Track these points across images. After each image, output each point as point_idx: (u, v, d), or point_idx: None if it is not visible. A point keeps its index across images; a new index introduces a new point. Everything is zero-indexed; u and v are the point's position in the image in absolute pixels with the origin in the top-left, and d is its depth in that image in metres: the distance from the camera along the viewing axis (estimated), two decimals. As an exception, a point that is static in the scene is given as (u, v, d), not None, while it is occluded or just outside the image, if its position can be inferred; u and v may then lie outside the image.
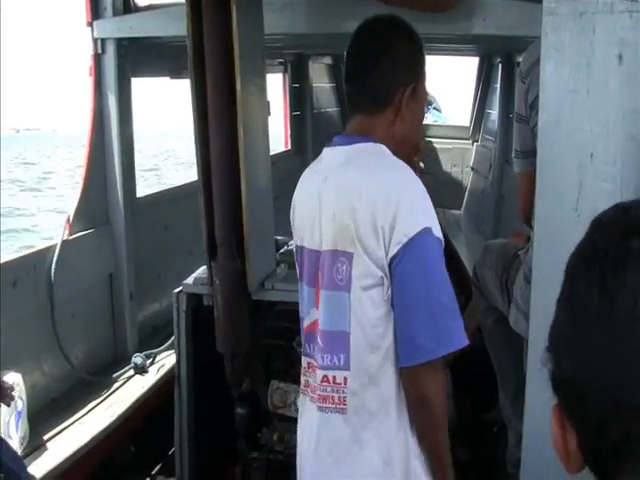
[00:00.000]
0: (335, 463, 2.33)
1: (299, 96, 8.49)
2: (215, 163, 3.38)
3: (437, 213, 2.26)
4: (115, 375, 4.54)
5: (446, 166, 10.11)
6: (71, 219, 4.48)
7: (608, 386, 0.77)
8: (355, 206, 2.19)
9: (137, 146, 5.01)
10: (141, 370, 4.61)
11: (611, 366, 0.77)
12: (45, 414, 4.02)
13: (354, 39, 2.42)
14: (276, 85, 8.22)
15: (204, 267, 3.69)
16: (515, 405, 3.41)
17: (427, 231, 2.17)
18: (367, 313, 2.24)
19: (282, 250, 4.18)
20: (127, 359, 4.69)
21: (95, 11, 4.59)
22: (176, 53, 4.49)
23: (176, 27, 3.83)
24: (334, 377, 2.31)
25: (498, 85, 8.62)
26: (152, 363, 4.70)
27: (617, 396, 0.76)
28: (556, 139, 2.29)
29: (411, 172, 2.29)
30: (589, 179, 2.25)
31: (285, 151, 8.35)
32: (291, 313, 3.67)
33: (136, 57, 4.84)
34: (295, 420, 3.53)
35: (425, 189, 2.24)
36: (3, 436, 3.36)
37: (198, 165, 3.47)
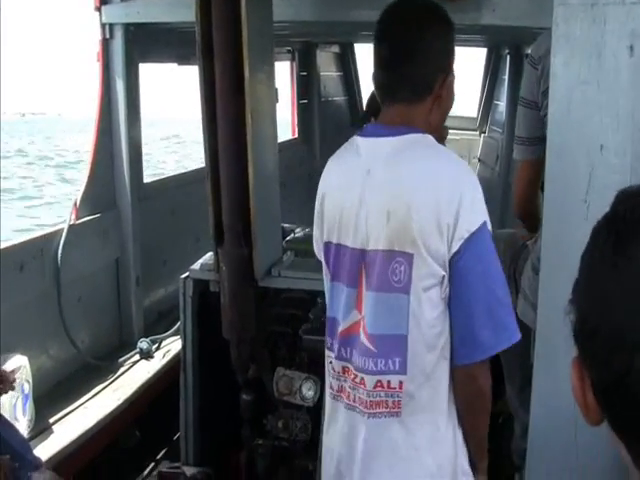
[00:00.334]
0: (389, 468, 2.27)
1: (306, 84, 8.47)
2: (223, 150, 3.38)
3: None
4: (121, 360, 4.55)
5: None
6: (78, 203, 4.48)
7: (615, 324, 0.87)
8: (413, 203, 2.11)
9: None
10: (147, 355, 4.63)
11: (619, 308, 0.87)
12: (51, 397, 4.04)
13: (387, 24, 2.27)
14: (284, 73, 8.21)
15: (211, 253, 3.69)
16: (521, 397, 3.42)
17: (485, 225, 2.13)
18: (425, 314, 2.17)
19: (289, 238, 4.19)
20: (133, 344, 4.71)
21: (103, -4, 4.59)
22: (184, 39, 4.49)
23: (184, 13, 3.83)
24: (389, 382, 2.23)
25: (506, 76, 8.61)
26: (158, 348, 4.71)
27: (622, 333, 0.86)
28: (566, 130, 2.28)
29: (465, 163, 2.25)
30: (599, 171, 2.24)
31: (292, 139, 8.34)
32: (297, 300, 3.69)
33: (144, 43, 4.83)
34: (300, 407, 3.58)
35: None
36: (9, 419, 3.38)
37: (206, 151, 3.47)
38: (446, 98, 2.27)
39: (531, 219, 3.38)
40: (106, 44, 4.64)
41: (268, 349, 3.68)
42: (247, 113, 3.32)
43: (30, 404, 3.73)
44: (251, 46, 3.27)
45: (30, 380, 3.73)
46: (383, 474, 2.28)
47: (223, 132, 3.37)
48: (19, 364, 3.65)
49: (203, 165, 3.57)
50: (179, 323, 3.95)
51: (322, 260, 2.42)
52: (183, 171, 6.14)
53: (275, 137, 3.80)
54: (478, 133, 9.81)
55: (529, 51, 3.59)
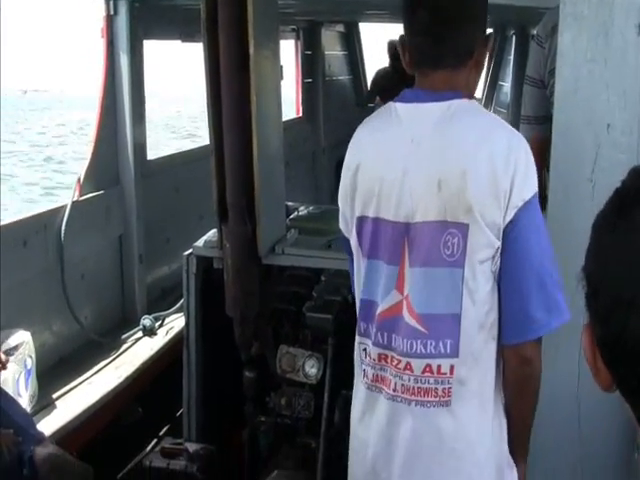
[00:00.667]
0: (436, 462, 2.14)
1: (311, 63, 8.44)
2: (227, 127, 3.37)
3: None
4: (124, 337, 4.56)
5: None
6: (81, 180, 4.48)
7: (613, 283, 0.92)
8: (468, 169, 2.01)
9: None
10: (150, 332, 4.63)
11: (617, 267, 0.92)
12: (54, 373, 4.05)
13: None
14: (288, 52, 8.18)
15: (214, 230, 3.69)
16: None
17: (537, 194, 2.04)
18: (480, 289, 2.05)
19: (292, 215, 4.18)
20: (136, 321, 4.71)
21: (108, -29, 4.57)
22: (188, 16, 4.47)
23: None
24: (439, 367, 2.10)
25: (512, 57, 8.58)
26: (161, 325, 4.72)
27: (619, 291, 0.91)
28: (572, 109, 2.28)
29: (515, 130, 2.17)
30: (605, 150, 2.24)
31: (296, 118, 8.33)
32: (301, 278, 3.70)
33: (148, 19, 4.82)
34: (302, 385, 3.58)
35: None
36: (12, 394, 3.39)
37: (210, 128, 3.46)
38: (482, 62, 2.20)
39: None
40: (110, 20, 4.62)
41: (271, 326, 3.68)
42: (252, 90, 3.31)
43: (33, 379, 3.74)
44: (256, 23, 3.25)
45: (33, 355, 3.74)
46: (429, 469, 2.16)
47: (227, 109, 3.35)
48: (22, 339, 3.65)
49: (199, 143, 3.56)
50: (182, 300, 3.95)
51: (351, 237, 2.27)
52: (187, 148, 6.13)
53: (280, 114, 3.79)
54: (483, 114, 9.78)
55: (535, 31, 3.57)
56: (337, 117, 8.31)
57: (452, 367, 2.09)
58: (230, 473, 3.87)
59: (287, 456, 3.66)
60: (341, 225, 2.33)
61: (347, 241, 2.31)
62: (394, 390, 2.16)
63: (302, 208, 4.37)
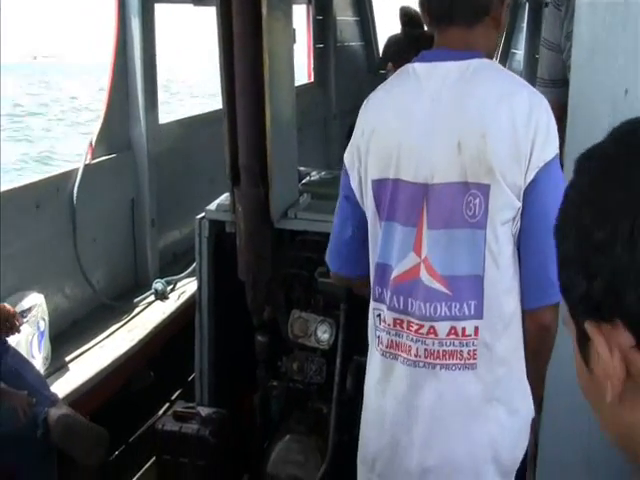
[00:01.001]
0: (463, 425, 2.14)
1: (322, 29, 8.37)
2: (240, 90, 3.35)
3: None
4: (136, 300, 4.57)
5: None
6: (93, 143, 4.47)
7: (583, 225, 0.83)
8: (489, 129, 1.99)
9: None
10: (162, 296, 4.64)
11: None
12: (66, 336, 4.08)
13: None
14: (300, 17, 8.12)
15: (227, 194, 3.68)
16: None
17: (557, 157, 2.03)
18: (502, 251, 2.04)
19: (304, 180, 4.17)
20: (148, 285, 4.72)
21: None
22: None
23: None
24: (464, 329, 2.09)
25: (525, 25, 8.50)
26: (173, 289, 4.72)
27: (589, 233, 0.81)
28: (589, 74, 2.24)
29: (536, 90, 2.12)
30: (622, 116, 2.21)
31: (308, 83, 8.28)
32: (313, 243, 3.69)
33: None
34: (314, 350, 3.58)
35: None
36: (26, 356, 3.42)
37: (223, 92, 3.44)
38: (501, 22, 2.17)
39: None
40: None
41: (284, 291, 3.68)
42: (265, 52, 3.28)
43: (46, 342, 3.76)
44: None
45: (46, 318, 3.76)
46: (452, 433, 2.15)
47: (240, 72, 3.33)
48: (35, 302, 3.67)
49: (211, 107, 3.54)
50: (194, 264, 3.95)
51: (366, 201, 2.23)
52: (199, 112, 6.10)
53: (292, 77, 3.76)
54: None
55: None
56: (349, 83, 8.26)
57: (476, 329, 2.09)
58: (242, 437, 3.89)
59: (298, 421, 3.67)
60: (354, 187, 2.27)
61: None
62: (416, 355, 2.14)
63: (314, 173, 4.36)
